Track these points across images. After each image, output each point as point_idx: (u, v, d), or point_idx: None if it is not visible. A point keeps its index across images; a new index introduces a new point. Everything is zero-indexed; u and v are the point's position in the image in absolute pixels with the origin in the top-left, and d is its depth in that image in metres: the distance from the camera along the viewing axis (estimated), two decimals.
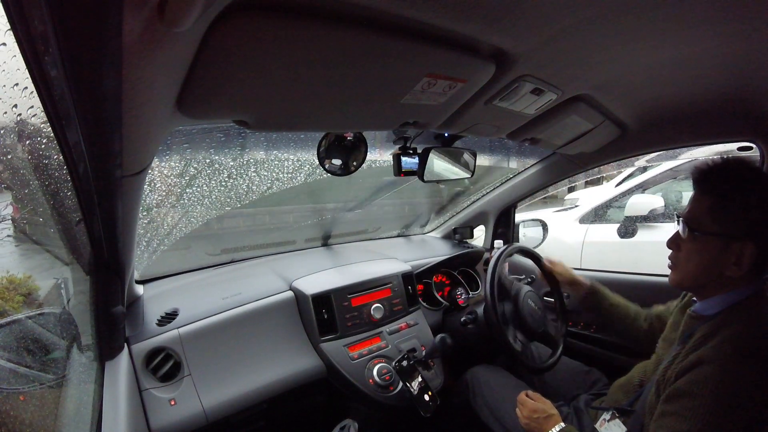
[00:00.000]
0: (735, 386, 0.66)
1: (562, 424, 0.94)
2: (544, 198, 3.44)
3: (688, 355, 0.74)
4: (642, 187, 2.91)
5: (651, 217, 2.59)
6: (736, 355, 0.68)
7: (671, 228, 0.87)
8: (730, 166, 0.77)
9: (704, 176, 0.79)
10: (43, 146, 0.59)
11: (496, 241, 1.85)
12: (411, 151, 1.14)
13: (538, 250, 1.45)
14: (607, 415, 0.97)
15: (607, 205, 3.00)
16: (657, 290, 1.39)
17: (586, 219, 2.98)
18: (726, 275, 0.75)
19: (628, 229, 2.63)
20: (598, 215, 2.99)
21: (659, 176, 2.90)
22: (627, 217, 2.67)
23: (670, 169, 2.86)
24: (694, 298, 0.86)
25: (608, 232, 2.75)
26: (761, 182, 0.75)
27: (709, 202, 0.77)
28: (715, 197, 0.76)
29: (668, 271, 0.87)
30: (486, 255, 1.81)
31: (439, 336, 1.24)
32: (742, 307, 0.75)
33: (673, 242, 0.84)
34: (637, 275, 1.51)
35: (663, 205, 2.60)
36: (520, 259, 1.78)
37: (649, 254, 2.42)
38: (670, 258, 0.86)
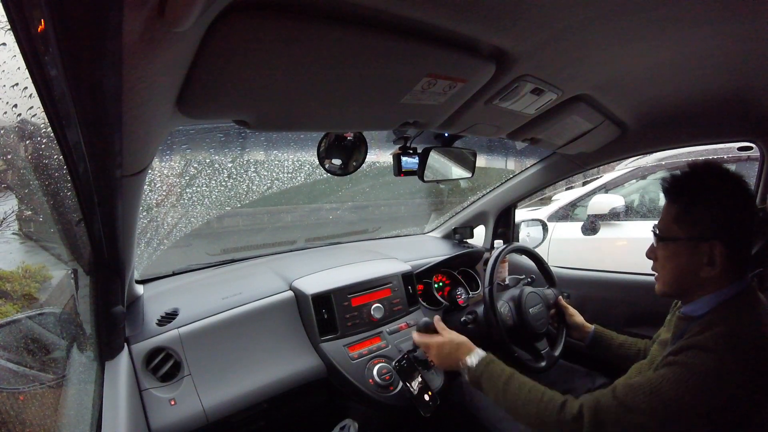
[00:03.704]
0: (726, 373, 0.66)
1: (480, 351, 0.93)
2: (541, 199, 3.49)
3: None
4: (605, 188, 3.04)
5: (612, 215, 2.70)
6: (730, 346, 0.68)
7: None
8: (695, 173, 0.78)
9: (671, 185, 0.80)
10: (43, 146, 0.59)
11: (496, 241, 1.85)
12: (411, 151, 1.14)
13: (536, 250, 1.45)
14: None
15: (573, 204, 3.12)
16: (651, 290, 1.39)
17: (553, 217, 3.06)
18: (702, 277, 0.76)
19: (590, 226, 2.75)
20: (566, 214, 3.10)
21: (623, 176, 3.01)
22: (589, 215, 2.80)
23: (636, 168, 2.97)
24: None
25: (573, 229, 2.85)
26: (722, 182, 0.76)
27: (675, 210, 0.79)
28: (681, 204, 0.78)
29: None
30: (486, 255, 1.81)
31: None
32: (732, 304, 0.75)
33: (651, 252, 0.86)
34: (634, 275, 1.51)
35: (623, 204, 2.72)
36: (520, 258, 1.78)
37: (609, 250, 2.64)
38: (652, 268, 0.87)
